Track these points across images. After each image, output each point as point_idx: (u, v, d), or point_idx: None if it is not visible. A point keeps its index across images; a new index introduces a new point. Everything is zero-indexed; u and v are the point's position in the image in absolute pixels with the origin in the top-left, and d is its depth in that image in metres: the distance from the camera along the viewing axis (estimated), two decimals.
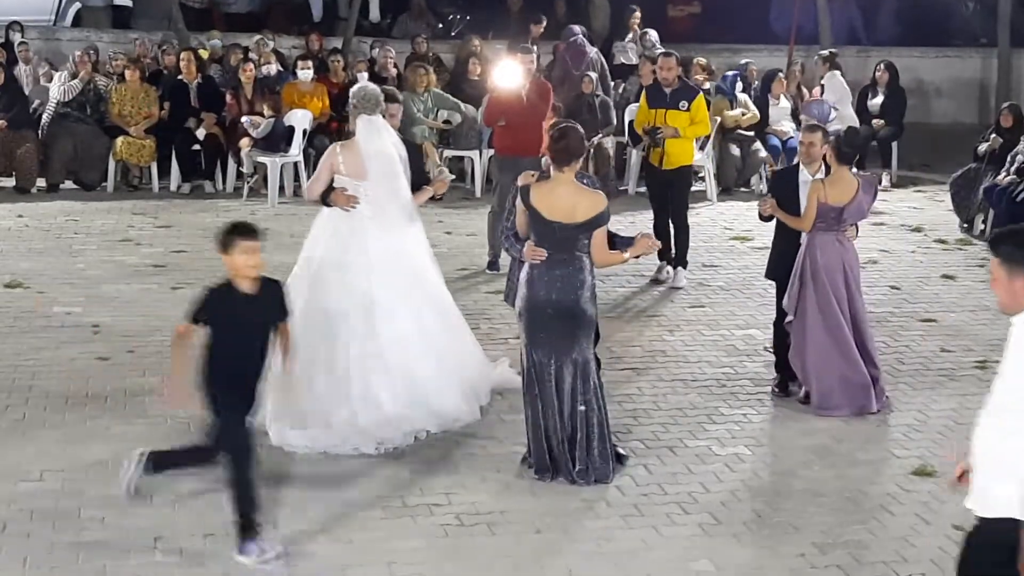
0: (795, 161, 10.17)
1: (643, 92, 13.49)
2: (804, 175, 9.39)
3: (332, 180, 8.82)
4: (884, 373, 9.54)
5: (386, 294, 8.75)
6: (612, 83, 18.70)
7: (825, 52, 18.57)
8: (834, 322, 9.17)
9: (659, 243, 8.31)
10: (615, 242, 7.97)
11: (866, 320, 9.43)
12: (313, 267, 8.83)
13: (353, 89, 9.17)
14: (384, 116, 9.02)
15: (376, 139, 8.88)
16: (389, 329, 8.71)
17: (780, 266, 9.58)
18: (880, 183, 17.15)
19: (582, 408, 7.84)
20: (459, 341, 9.23)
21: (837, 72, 17.94)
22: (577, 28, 18.99)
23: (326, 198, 8.83)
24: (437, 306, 9.13)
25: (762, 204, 9.70)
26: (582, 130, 7.97)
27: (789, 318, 9.35)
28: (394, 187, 8.87)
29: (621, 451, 8.21)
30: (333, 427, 8.37)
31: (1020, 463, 4.94)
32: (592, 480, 7.86)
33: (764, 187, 16.99)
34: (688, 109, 12.66)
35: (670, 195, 12.57)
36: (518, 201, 7.86)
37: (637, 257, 8.20)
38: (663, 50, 15.90)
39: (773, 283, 9.88)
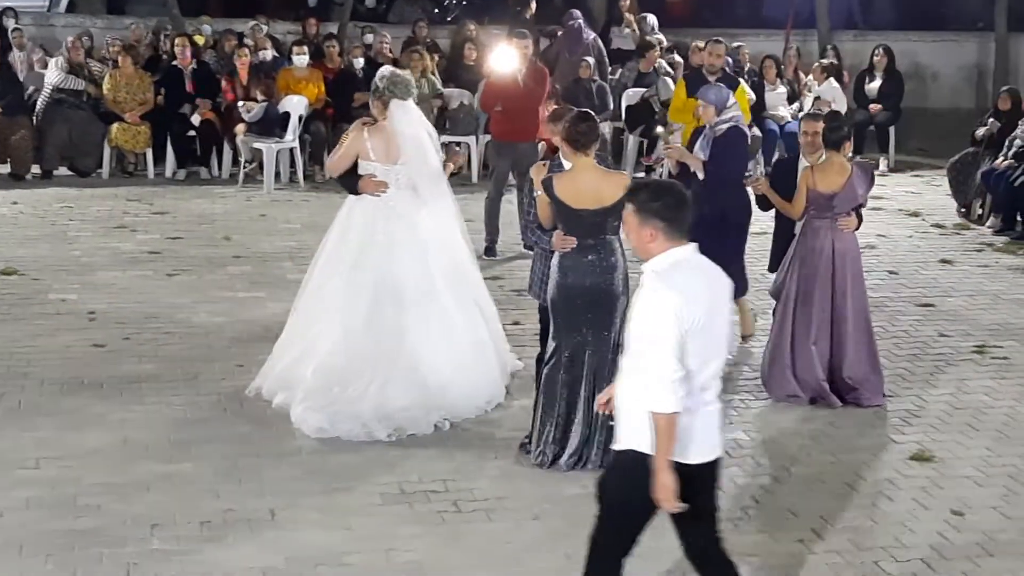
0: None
1: (681, 79, 13.17)
2: (804, 164, 9.35)
3: (356, 164, 8.84)
4: (880, 358, 9.48)
5: (424, 277, 8.78)
6: (610, 68, 18.66)
7: (826, 61, 18.33)
8: (816, 319, 9.07)
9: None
10: None
11: (862, 313, 9.21)
12: (347, 253, 8.82)
13: (383, 73, 9.12)
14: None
15: (409, 123, 8.88)
16: (439, 314, 8.75)
17: (780, 257, 9.58)
18: (878, 168, 17.13)
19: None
20: (492, 323, 9.23)
21: (833, 79, 17.72)
22: (577, 12, 18.94)
23: (353, 185, 8.82)
24: (472, 287, 9.16)
25: (753, 184, 9.72)
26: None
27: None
28: (428, 169, 8.91)
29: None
30: (356, 408, 8.36)
31: (643, 399, 5.32)
32: (598, 466, 7.83)
33: (760, 171, 16.98)
34: None
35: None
36: (540, 193, 7.81)
37: None
38: (656, 35, 15.99)
39: (771, 274, 9.87)
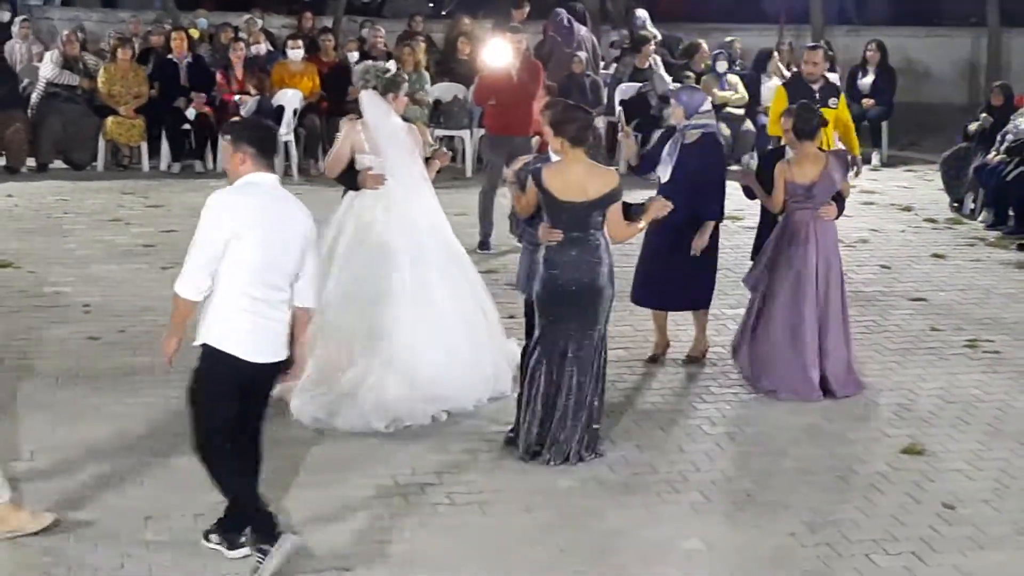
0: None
1: (781, 87, 12.59)
2: (790, 156, 9.36)
3: (352, 159, 8.87)
4: (872, 351, 9.54)
5: (422, 269, 8.81)
6: (603, 63, 18.70)
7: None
8: (793, 308, 9.09)
9: (670, 204, 8.09)
10: (628, 212, 7.94)
11: (841, 301, 9.22)
12: (344, 247, 8.84)
13: (361, 65, 9.20)
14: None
15: (378, 114, 8.92)
16: (438, 304, 8.79)
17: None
18: (870, 162, 17.18)
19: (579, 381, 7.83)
20: (493, 319, 9.24)
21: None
22: (561, 9, 18.92)
23: (352, 181, 8.84)
24: (469, 280, 9.19)
25: (741, 176, 9.73)
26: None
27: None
28: (411, 161, 8.94)
29: (596, 425, 8.11)
30: (357, 400, 8.39)
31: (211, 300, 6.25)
32: (581, 459, 7.87)
33: (753, 166, 17.01)
34: (836, 107, 11.93)
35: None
36: (529, 183, 7.83)
37: (651, 221, 8.11)
38: (648, 30, 15.94)
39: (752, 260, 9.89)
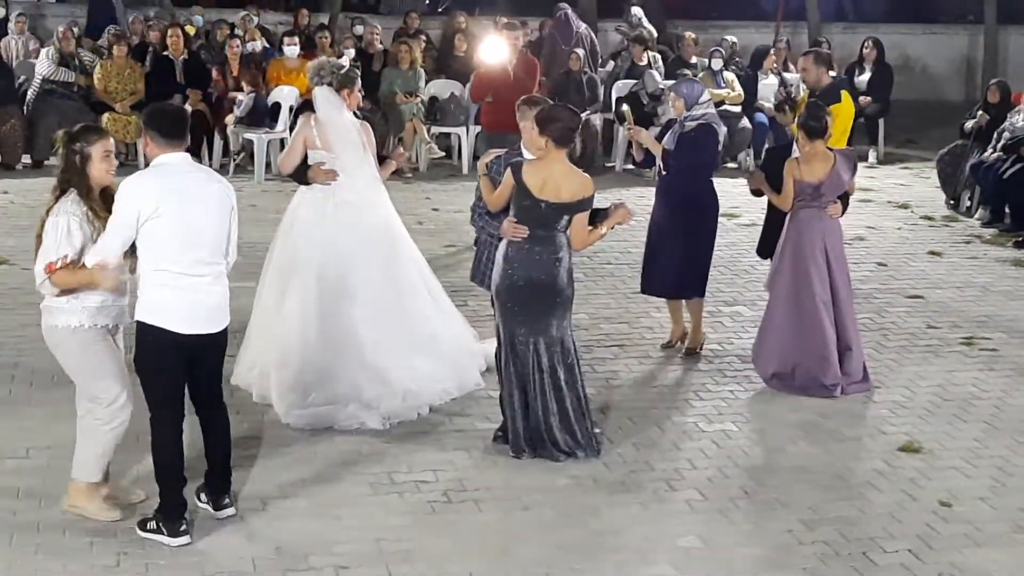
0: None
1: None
2: (797, 153, 9.36)
3: (306, 155, 8.85)
4: (870, 348, 9.54)
5: (384, 267, 8.81)
6: (601, 59, 18.68)
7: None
8: (807, 304, 9.10)
9: (634, 211, 8.18)
10: (592, 217, 7.92)
11: (847, 298, 9.26)
12: (306, 246, 8.80)
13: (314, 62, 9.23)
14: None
15: (329, 110, 8.90)
16: (393, 302, 8.80)
17: (770, 242, 9.60)
18: (867, 159, 17.18)
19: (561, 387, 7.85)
20: (450, 313, 9.28)
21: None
22: (564, 4, 18.93)
23: (302, 176, 8.82)
24: (426, 277, 9.20)
25: (750, 179, 9.73)
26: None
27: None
28: (362, 159, 8.91)
29: (598, 430, 8.19)
30: (339, 401, 8.38)
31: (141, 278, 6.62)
32: (576, 456, 7.86)
33: (751, 163, 17.02)
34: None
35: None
36: (507, 175, 7.82)
37: (613, 228, 8.10)
38: (644, 27, 15.91)
39: (759, 260, 9.88)
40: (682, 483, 7.66)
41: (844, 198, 9.35)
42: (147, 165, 6.86)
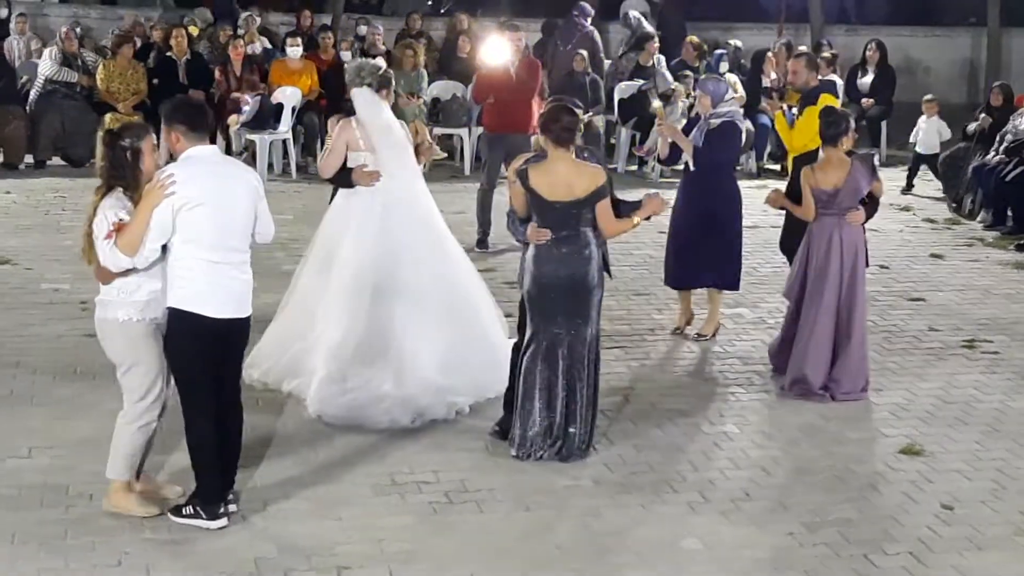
0: None
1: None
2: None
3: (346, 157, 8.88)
4: (871, 351, 9.53)
5: (421, 265, 8.81)
6: (605, 61, 18.69)
7: (827, 54, 18.21)
8: (813, 313, 9.09)
9: (668, 201, 8.41)
10: (621, 208, 7.96)
11: (859, 307, 9.15)
12: (346, 243, 8.84)
13: (351, 63, 9.24)
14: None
15: (369, 112, 8.92)
16: (437, 301, 8.81)
17: (791, 238, 9.71)
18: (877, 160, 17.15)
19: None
20: (489, 310, 9.26)
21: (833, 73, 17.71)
22: (584, 3, 18.91)
23: (347, 179, 8.84)
24: (469, 275, 9.23)
25: (770, 200, 9.67)
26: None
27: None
28: (405, 156, 8.96)
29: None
30: (376, 394, 8.39)
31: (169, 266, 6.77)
32: (577, 457, 7.87)
33: (752, 166, 17.01)
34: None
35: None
36: (516, 184, 7.83)
37: (648, 219, 8.17)
38: (645, 29, 15.86)
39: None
40: (683, 485, 7.66)
41: (873, 203, 9.27)
42: (172, 160, 7.02)
